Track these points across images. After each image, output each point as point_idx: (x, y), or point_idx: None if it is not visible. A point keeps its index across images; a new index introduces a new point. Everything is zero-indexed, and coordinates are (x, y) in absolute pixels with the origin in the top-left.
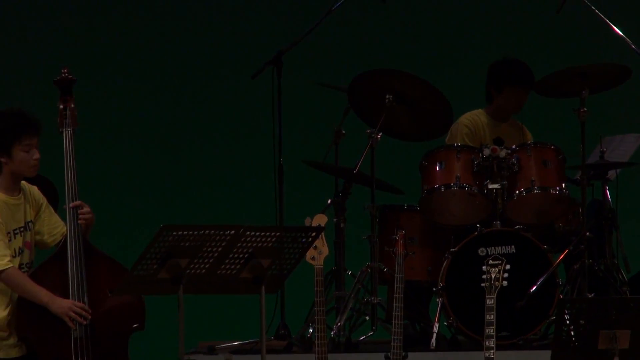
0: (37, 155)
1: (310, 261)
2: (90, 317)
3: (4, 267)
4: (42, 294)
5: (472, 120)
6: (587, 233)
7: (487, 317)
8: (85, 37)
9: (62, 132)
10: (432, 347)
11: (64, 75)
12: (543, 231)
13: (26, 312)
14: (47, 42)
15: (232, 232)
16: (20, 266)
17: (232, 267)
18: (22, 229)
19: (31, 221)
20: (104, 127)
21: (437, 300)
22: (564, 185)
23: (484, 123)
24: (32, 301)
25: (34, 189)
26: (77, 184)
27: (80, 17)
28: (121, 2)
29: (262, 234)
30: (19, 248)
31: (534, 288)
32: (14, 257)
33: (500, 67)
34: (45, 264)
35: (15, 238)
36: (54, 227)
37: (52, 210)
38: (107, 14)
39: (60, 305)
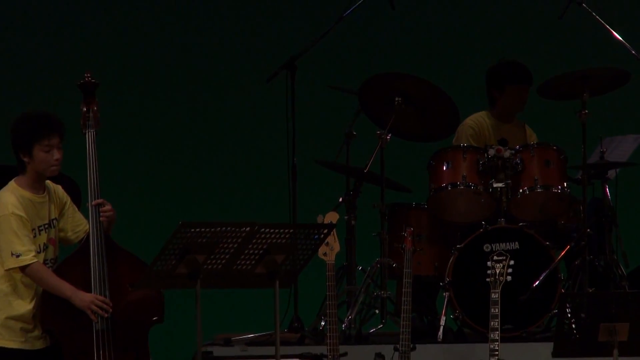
0: (57, 156)
1: (323, 257)
2: (111, 310)
3: (29, 262)
4: (66, 288)
5: (477, 122)
6: (588, 230)
7: (492, 310)
8: (107, 43)
9: (85, 133)
10: (439, 340)
11: (87, 79)
12: (545, 228)
13: (50, 305)
14: (71, 47)
15: (248, 229)
16: (44, 262)
17: (248, 262)
18: (46, 226)
19: (55, 219)
20: (125, 128)
21: (444, 294)
22: (565, 184)
23: (488, 124)
24: (56, 295)
25: (58, 188)
26: (99, 182)
27: (102, 23)
28: (141, 10)
29: (276, 230)
30: (44, 244)
31: (536, 283)
32: (38, 252)
33: (500, 69)
34: (69, 259)
35: (40, 234)
36: (77, 225)
37: (76, 208)
38: (128, 21)
39: (83, 298)
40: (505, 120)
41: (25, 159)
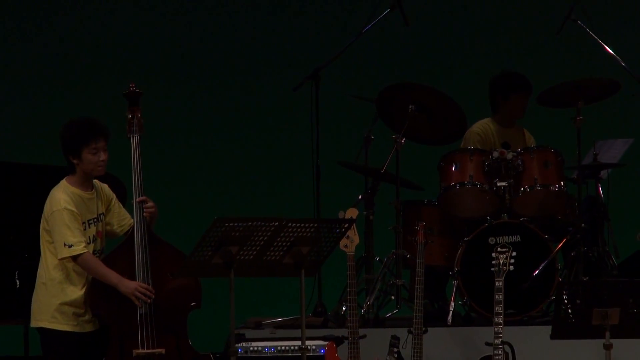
0: (103, 157)
1: (344, 249)
2: (153, 296)
3: (80, 252)
4: (113, 276)
5: (483, 128)
6: (583, 225)
7: (496, 297)
8: (148, 54)
9: (130, 137)
10: (448, 323)
11: (132, 89)
12: (544, 223)
13: (99, 291)
14: (118, 59)
15: (276, 223)
16: (93, 252)
17: (276, 253)
18: (95, 220)
19: (102, 213)
20: (166, 133)
21: (453, 282)
22: (562, 183)
23: (493, 130)
24: (104, 282)
25: (105, 186)
26: (143, 181)
27: (144, 36)
28: (179, 24)
29: (302, 225)
30: (92, 236)
31: (536, 272)
32: (88, 243)
33: (504, 79)
34: (117, 250)
35: (89, 227)
36: (122, 219)
37: (121, 205)
38: (167, 33)
39: (128, 285)
40: (507, 125)
41: (75, 161)
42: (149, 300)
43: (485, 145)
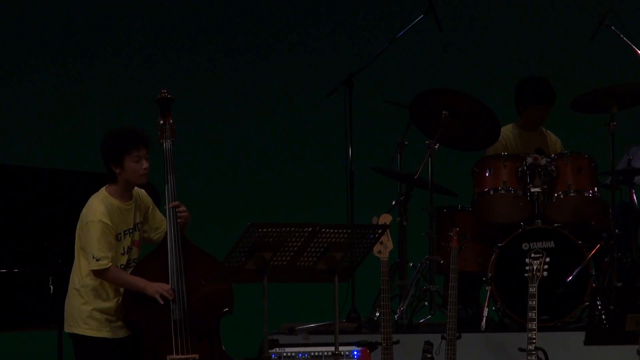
0: (145, 165)
1: (377, 254)
2: (172, 296)
3: (104, 267)
4: (139, 282)
5: (503, 134)
6: (616, 230)
7: (530, 302)
8: (180, 62)
9: (162, 143)
10: (482, 329)
11: (163, 95)
12: (578, 229)
13: (133, 299)
14: (149, 66)
15: (310, 229)
16: (129, 262)
17: (310, 259)
18: (131, 230)
19: (140, 222)
20: (199, 139)
21: (487, 288)
22: (596, 189)
23: (515, 135)
24: (134, 291)
25: (142, 192)
26: (176, 187)
27: (176, 46)
28: (212, 33)
29: (336, 230)
30: (128, 247)
31: (570, 278)
32: (122, 254)
33: (526, 86)
34: (150, 256)
35: (125, 238)
36: (159, 226)
37: (157, 210)
38: (200, 39)
39: (152, 286)
40: (530, 129)
41: (117, 170)
42: (170, 297)
43: (507, 151)
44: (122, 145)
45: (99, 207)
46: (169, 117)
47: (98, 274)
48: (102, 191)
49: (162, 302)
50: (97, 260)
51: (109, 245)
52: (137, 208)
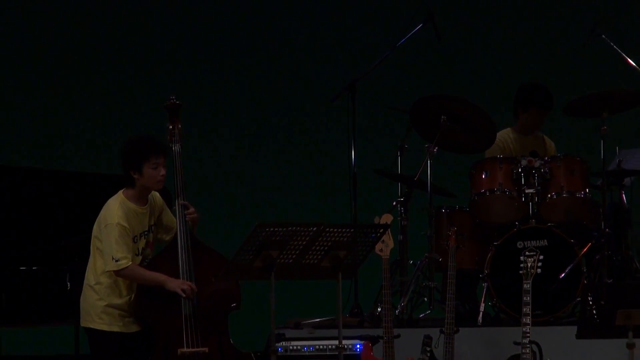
0: (163, 172)
1: (379, 252)
2: (196, 290)
3: (124, 266)
4: (158, 276)
5: (501, 138)
6: (607, 230)
7: (524, 298)
8: (187, 70)
9: (172, 147)
10: (479, 324)
11: (172, 101)
12: (570, 228)
13: (145, 296)
14: (157, 74)
15: (315, 228)
16: (142, 262)
17: (315, 257)
18: (146, 232)
19: (154, 224)
20: (207, 142)
21: (483, 284)
22: (587, 190)
23: (512, 138)
24: (150, 287)
25: (156, 195)
26: (185, 188)
27: (183, 55)
28: (213, 39)
29: (339, 230)
30: (142, 248)
31: (563, 275)
32: (137, 255)
33: (528, 90)
34: (161, 255)
35: (140, 239)
36: (171, 226)
37: (169, 211)
38: (206, 43)
39: (174, 281)
40: (526, 133)
41: (135, 176)
42: (192, 296)
43: (504, 154)
44: (142, 152)
45: (117, 210)
46: (177, 122)
47: (118, 272)
48: (120, 195)
49: (184, 296)
50: (117, 261)
51: (127, 247)
52: (151, 211)
